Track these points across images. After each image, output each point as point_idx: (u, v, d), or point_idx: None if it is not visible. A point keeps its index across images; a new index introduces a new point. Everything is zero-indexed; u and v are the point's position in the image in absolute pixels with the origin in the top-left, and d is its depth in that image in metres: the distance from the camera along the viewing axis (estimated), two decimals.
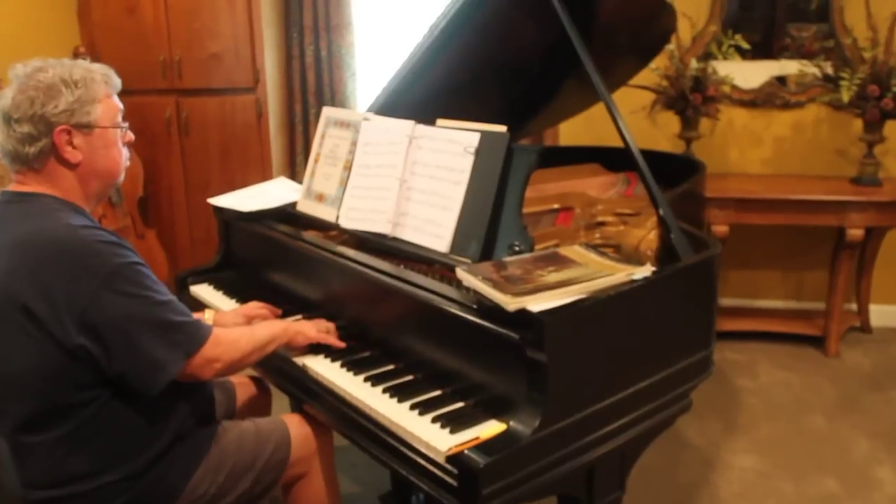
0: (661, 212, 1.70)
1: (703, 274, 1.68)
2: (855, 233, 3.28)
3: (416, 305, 1.62)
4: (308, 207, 2.26)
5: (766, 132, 3.75)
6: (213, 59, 3.56)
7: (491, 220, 1.70)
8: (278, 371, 1.85)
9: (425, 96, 2.38)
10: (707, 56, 3.46)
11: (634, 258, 2.17)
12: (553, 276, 1.46)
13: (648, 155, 3.06)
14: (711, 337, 1.70)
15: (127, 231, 3.61)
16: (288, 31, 3.76)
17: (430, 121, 1.97)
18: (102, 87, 1.53)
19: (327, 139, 2.26)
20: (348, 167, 2.13)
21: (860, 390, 3.20)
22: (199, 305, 2.24)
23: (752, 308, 3.89)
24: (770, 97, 3.67)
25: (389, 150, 1.98)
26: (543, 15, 1.94)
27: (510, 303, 1.35)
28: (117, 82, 1.59)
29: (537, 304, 1.36)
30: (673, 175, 2.78)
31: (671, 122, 3.62)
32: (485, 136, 1.76)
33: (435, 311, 1.56)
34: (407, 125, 1.95)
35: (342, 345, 1.78)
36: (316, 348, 1.80)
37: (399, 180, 1.92)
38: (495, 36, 2.31)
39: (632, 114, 3.55)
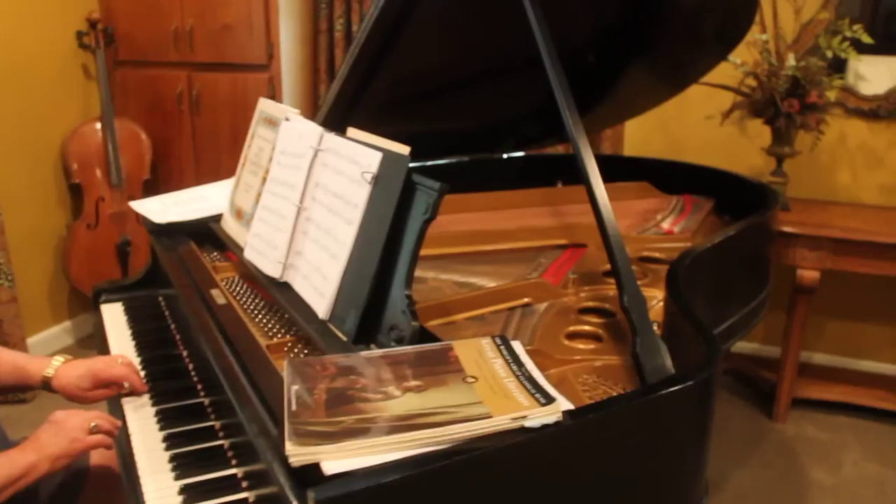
0: (624, 300, 1.10)
1: (681, 408, 1.03)
2: None
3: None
4: (227, 224, 1.80)
5: (891, 152, 2.93)
6: (225, 30, 3.14)
7: (375, 284, 1.17)
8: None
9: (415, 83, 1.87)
10: (815, 51, 2.70)
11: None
12: (403, 403, 0.92)
13: (712, 175, 2.42)
14: (695, 496, 1.09)
15: (126, 216, 3.29)
16: (315, 1, 3.29)
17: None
18: None
19: (255, 140, 1.78)
20: (265, 179, 1.64)
21: None
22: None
23: (849, 370, 3.10)
24: None
25: (294, 165, 1.48)
26: None
27: (291, 453, 0.82)
28: None
29: (340, 458, 0.82)
30: (738, 205, 2.15)
31: (764, 131, 2.88)
32: (386, 157, 1.22)
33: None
34: (314, 132, 1.43)
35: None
36: (176, 417, 1.38)
37: (297, 207, 1.42)
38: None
39: (708, 119, 2.85)
